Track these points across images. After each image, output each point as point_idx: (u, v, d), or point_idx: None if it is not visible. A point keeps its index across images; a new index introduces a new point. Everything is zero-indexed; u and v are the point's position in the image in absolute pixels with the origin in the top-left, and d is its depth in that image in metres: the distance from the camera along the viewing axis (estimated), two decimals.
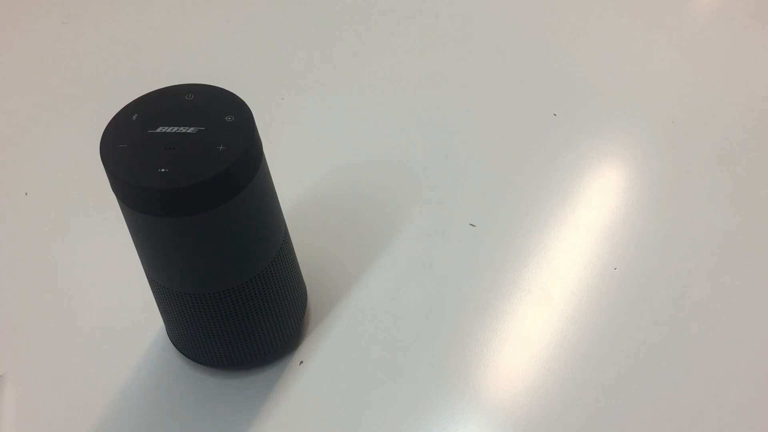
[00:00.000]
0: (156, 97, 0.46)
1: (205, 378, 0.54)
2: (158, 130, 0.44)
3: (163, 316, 0.53)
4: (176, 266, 0.46)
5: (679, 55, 0.75)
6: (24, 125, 0.73)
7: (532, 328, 0.56)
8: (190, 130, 0.44)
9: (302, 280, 0.56)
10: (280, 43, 0.79)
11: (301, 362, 0.55)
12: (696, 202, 0.63)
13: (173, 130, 0.44)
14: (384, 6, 0.82)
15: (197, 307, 0.48)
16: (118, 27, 0.82)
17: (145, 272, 0.50)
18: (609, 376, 0.53)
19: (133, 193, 0.42)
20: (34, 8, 0.85)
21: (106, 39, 0.81)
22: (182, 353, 0.54)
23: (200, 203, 0.43)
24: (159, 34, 0.81)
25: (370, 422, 0.51)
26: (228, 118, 0.44)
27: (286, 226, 0.52)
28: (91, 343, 0.57)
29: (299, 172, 0.67)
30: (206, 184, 0.42)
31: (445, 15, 0.81)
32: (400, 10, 0.82)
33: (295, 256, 0.54)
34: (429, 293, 0.58)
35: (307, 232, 0.61)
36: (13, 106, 0.75)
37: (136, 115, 0.45)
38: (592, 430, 0.50)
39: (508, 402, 0.52)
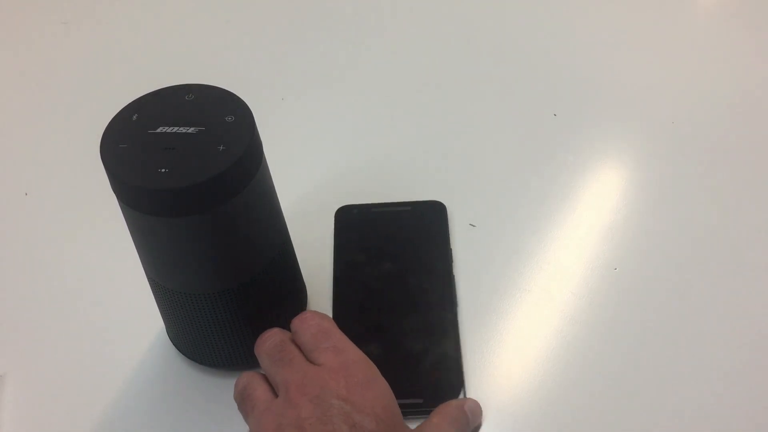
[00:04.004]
0: (156, 97, 0.46)
1: (205, 378, 0.54)
2: (158, 130, 0.44)
3: (163, 316, 0.53)
4: (176, 266, 0.46)
5: (679, 55, 0.75)
6: (24, 125, 0.73)
7: (532, 328, 0.56)
8: (190, 130, 0.44)
9: (302, 280, 0.56)
10: (280, 43, 0.79)
11: None
12: (696, 202, 0.63)
13: (173, 130, 0.44)
14: (384, 6, 0.82)
15: (197, 307, 0.48)
16: (119, 27, 0.82)
17: (145, 272, 0.50)
18: (609, 376, 0.53)
19: (133, 193, 0.42)
20: (34, 8, 0.85)
21: (106, 39, 0.81)
22: (182, 353, 0.54)
23: (200, 203, 0.43)
24: (159, 34, 0.81)
25: None
26: (228, 118, 0.44)
27: (286, 226, 0.52)
28: (92, 343, 0.57)
29: (299, 172, 0.67)
30: (206, 184, 0.42)
31: (445, 15, 0.81)
32: (401, 11, 0.82)
33: (295, 256, 0.54)
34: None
35: (307, 232, 0.61)
36: (14, 106, 0.75)
37: (136, 115, 0.45)
38: (592, 429, 0.50)
39: (508, 402, 0.52)
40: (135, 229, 0.46)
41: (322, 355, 0.43)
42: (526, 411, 0.51)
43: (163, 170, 0.42)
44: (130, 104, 0.46)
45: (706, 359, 0.53)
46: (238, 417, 0.52)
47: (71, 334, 0.57)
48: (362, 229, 0.60)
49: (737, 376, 0.52)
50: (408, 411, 0.50)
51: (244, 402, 0.44)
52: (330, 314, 0.56)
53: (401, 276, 0.57)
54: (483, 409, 0.51)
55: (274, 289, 0.50)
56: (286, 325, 0.53)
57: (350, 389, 0.41)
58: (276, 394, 0.43)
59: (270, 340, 0.46)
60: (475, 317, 0.56)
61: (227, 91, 0.46)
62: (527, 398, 0.52)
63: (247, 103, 0.46)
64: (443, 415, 0.47)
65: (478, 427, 0.49)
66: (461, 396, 0.51)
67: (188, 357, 0.54)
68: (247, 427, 0.44)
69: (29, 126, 0.73)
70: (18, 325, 0.58)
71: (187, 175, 0.42)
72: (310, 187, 0.66)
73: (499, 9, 0.81)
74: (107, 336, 0.57)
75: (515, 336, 0.55)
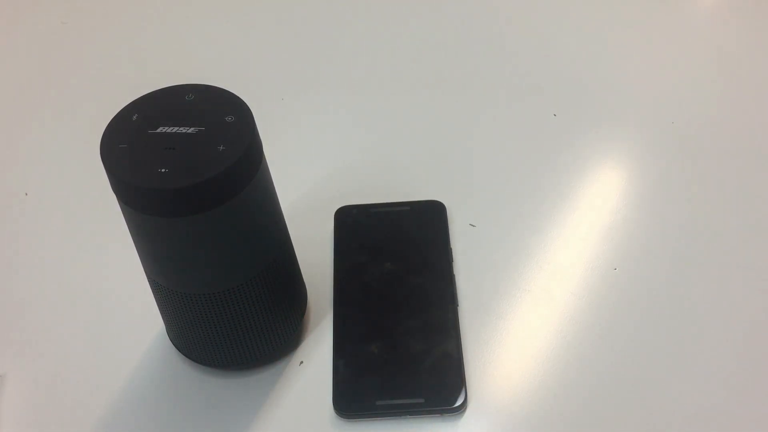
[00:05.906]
0: (156, 97, 0.46)
1: (205, 378, 0.54)
2: (158, 130, 0.44)
3: (163, 316, 0.53)
4: (176, 266, 0.46)
5: (679, 55, 0.75)
6: (24, 125, 0.73)
7: (532, 328, 0.56)
8: (190, 130, 0.44)
9: (302, 280, 0.56)
10: (279, 43, 0.79)
11: (301, 362, 0.55)
12: (696, 202, 0.63)
13: (173, 130, 0.44)
14: (384, 6, 0.82)
15: (197, 307, 0.48)
16: (118, 27, 0.82)
17: (146, 272, 0.50)
18: (609, 376, 0.53)
19: (133, 193, 0.42)
20: (34, 8, 0.85)
21: (106, 39, 0.81)
22: (182, 353, 0.54)
23: (200, 203, 0.43)
24: (159, 34, 0.81)
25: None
26: (228, 118, 0.44)
27: (286, 226, 0.52)
28: (91, 343, 0.57)
29: (299, 172, 0.67)
30: (206, 184, 0.42)
31: (445, 15, 0.81)
32: (401, 10, 0.82)
33: (295, 256, 0.54)
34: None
35: (307, 232, 0.61)
36: (14, 105, 0.75)
37: (136, 115, 0.45)
38: (592, 429, 0.50)
39: (508, 402, 0.52)
40: (135, 229, 0.46)
41: None
42: (526, 411, 0.51)
43: (163, 170, 0.42)
44: (130, 104, 0.46)
45: (706, 359, 0.53)
46: (238, 417, 0.52)
47: (71, 334, 0.57)
48: (362, 229, 0.60)
49: (737, 376, 0.52)
50: (409, 411, 0.51)
51: None
52: (330, 314, 0.57)
53: (401, 276, 0.57)
54: (483, 408, 0.51)
55: (274, 289, 0.50)
56: (285, 326, 0.53)
57: None
58: None
59: None
60: (476, 317, 0.56)
61: (227, 91, 0.46)
62: (527, 398, 0.52)
63: (247, 103, 0.46)
64: None
65: None
66: (462, 395, 0.51)
67: (188, 357, 0.54)
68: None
69: (29, 126, 0.73)
70: (18, 325, 0.58)
71: (187, 175, 0.42)
72: (310, 187, 0.66)
73: (500, 9, 0.81)
74: (107, 336, 0.57)
75: (515, 336, 0.55)
